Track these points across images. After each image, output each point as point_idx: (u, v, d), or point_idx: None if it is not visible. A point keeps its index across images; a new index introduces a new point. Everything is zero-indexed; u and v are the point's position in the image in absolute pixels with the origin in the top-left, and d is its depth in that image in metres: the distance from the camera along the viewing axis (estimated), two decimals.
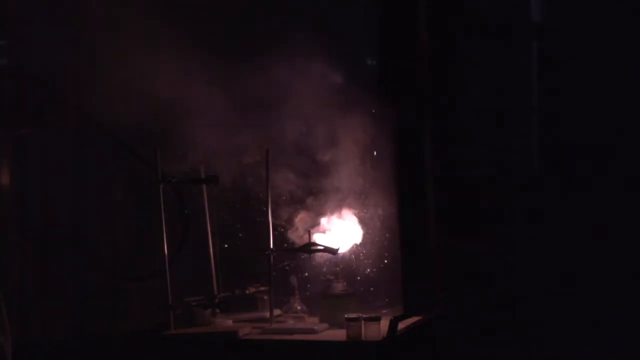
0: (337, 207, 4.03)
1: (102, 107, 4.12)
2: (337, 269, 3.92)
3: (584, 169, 4.15)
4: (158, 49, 3.90)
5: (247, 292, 4.09)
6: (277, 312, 3.93)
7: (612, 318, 4.08)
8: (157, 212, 3.88)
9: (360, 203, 4.06)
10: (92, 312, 4.39)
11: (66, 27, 4.24)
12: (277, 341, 3.64)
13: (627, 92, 4.10)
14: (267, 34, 4.09)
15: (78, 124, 4.36)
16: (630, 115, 4.11)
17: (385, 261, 4.05)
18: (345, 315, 3.56)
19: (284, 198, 4.05)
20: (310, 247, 3.92)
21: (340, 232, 4.01)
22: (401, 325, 3.59)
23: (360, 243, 4.05)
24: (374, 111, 3.99)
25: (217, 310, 3.96)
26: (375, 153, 4.07)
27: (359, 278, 4.04)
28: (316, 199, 4.04)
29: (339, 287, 3.87)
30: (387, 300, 4.00)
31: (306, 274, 4.09)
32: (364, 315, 3.55)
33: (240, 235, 4.23)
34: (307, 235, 3.95)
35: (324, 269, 4.05)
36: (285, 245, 4.00)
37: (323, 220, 4.01)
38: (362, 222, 4.05)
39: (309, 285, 4.09)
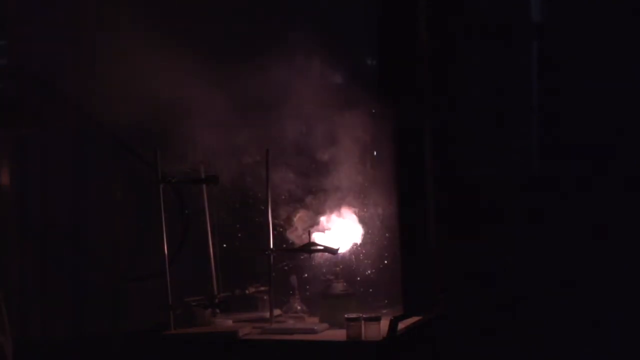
0: (337, 207, 4.03)
1: (102, 107, 4.12)
2: (337, 269, 3.92)
3: (584, 169, 4.15)
4: (158, 49, 3.90)
5: (247, 292, 4.09)
6: (277, 312, 3.93)
7: (612, 318, 4.08)
8: (157, 212, 3.88)
9: (360, 203, 4.05)
10: (92, 312, 4.38)
11: (66, 27, 4.24)
12: (277, 341, 3.64)
13: (627, 92, 4.10)
14: (267, 34, 4.09)
15: (78, 124, 4.36)
16: (630, 115, 4.11)
17: (386, 262, 4.05)
18: (345, 315, 3.56)
19: (283, 197, 4.05)
20: (310, 247, 3.92)
21: (340, 231, 4.01)
22: (401, 325, 3.59)
23: (360, 243, 4.05)
24: (374, 111, 3.99)
25: (217, 310, 3.96)
26: (375, 153, 4.07)
27: (358, 279, 4.04)
28: (316, 198, 4.04)
29: (339, 287, 3.87)
30: (386, 301, 3.99)
31: (305, 276, 4.09)
32: (364, 315, 3.55)
33: (240, 235, 4.23)
34: (306, 235, 3.95)
35: (324, 270, 4.05)
36: (284, 245, 3.99)
37: (323, 220, 4.01)
38: (362, 221, 4.05)
39: (307, 287, 4.08)
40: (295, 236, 4.01)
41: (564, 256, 4.13)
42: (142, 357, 4.00)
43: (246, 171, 4.13)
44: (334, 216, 4.02)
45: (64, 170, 4.40)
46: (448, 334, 3.98)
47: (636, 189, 4.09)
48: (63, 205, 4.40)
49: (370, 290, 4.04)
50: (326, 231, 4.00)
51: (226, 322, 3.89)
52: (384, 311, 3.86)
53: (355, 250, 4.05)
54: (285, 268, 4.06)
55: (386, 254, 4.05)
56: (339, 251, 3.92)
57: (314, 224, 4.01)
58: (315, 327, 3.72)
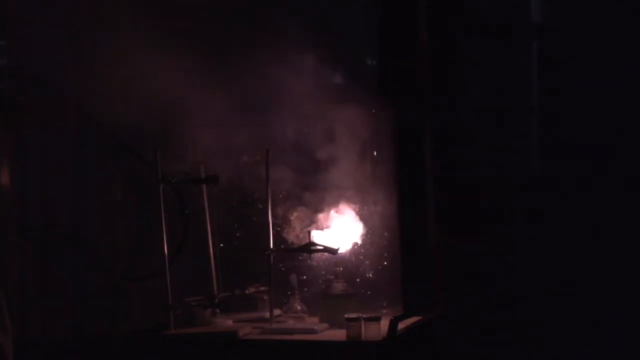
0: (337, 207, 4.03)
1: (102, 107, 4.12)
2: (337, 269, 3.92)
3: (584, 169, 4.15)
4: (158, 49, 3.90)
5: (247, 292, 4.09)
6: (277, 312, 3.93)
7: (612, 318, 4.08)
8: (157, 212, 3.88)
9: (359, 203, 4.05)
10: (92, 312, 4.38)
11: (66, 27, 4.24)
12: (277, 341, 3.64)
13: (627, 92, 4.10)
14: (266, 34, 4.09)
15: (78, 124, 4.36)
16: (630, 115, 4.11)
17: (385, 263, 4.05)
18: (345, 315, 3.56)
19: (281, 196, 4.05)
20: (310, 247, 3.92)
21: (340, 231, 4.01)
22: (401, 325, 3.59)
23: (360, 243, 4.05)
24: (374, 111, 3.99)
25: (217, 310, 3.96)
26: (375, 153, 4.07)
27: (358, 280, 4.04)
28: (315, 198, 4.04)
29: (339, 287, 3.87)
30: (385, 302, 3.99)
31: (304, 277, 4.09)
32: (364, 315, 3.55)
33: (238, 234, 4.23)
34: (303, 234, 3.95)
35: (323, 272, 4.05)
36: (283, 246, 3.99)
37: (322, 220, 4.01)
38: (362, 222, 4.05)
39: (305, 289, 4.08)
40: (293, 236, 4.01)
41: (564, 256, 4.13)
42: (142, 357, 4.00)
43: (245, 170, 4.13)
44: (333, 216, 4.02)
45: (64, 170, 4.39)
46: (448, 334, 3.98)
47: (636, 189, 4.09)
48: (63, 205, 4.40)
49: (370, 290, 4.04)
50: (325, 229, 3.99)
51: (226, 322, 3.89)
52: (384, 311, 3.87)
53: (355, 250, 4.05)
54: (283, 269, 4.06)
55: (385, 254, 4.05)
56: (339, 251, 3.92)
57: (313, 223, 4.00)
58: (315, 327, 3.71)
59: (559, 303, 4.12)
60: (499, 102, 4.26)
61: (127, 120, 4.00)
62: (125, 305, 4.39)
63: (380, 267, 4.06)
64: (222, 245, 4.20)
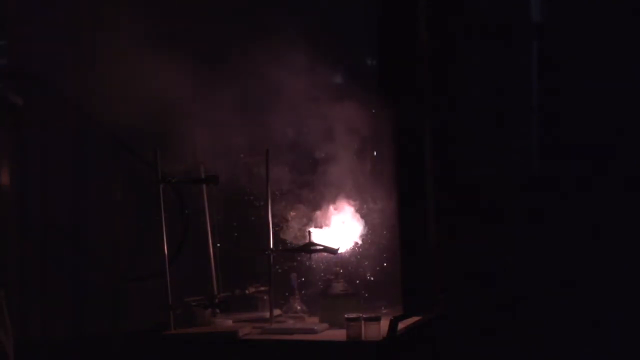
0: (336, 207, 4.03)
1: (102, 107, 4.12)
2: (337, 269, 3.92)
3: (584, 169, 4.15)
4: (158, 49, 3.90)
5: (247, 292, 4.09)
6: (277, 312, 3.93)
7: (612, 318, 4.08)
8: (157, 212, 3.88)
9: (359, 203, 4.05)
10: (92, 312, 4.38)
11: (66, 27, 4.24)
12: (277, 341, 3.64)
13: (627, 92, 4.10)
14: (266, 34, 4.08)
15: (78, 124, 4.36)
16: (630, 115, 4.11)
17: (385, 264, 4.05)
18: (345, 315, 3.56)
19: (278, 194, 4.05)
20: (310, 247, 3.92)
21: (340, 231, 4.01)
22: (401, 325, 3.59)
23: (360, 243, 4.05)
24: (374, 111, 3.99)
25: (217, 310, 3.96)
26: (375, 153, 4.07)
27: (357, 281, 4.04)
28: (315, 198, 4.04)
29: (339, 287, 3.87)
30: (384, 306, 3.99)
31: (303, 279, 4.09)
32: (364, 315, 3.55)
33: (236, 234, 4.23)
34: (300, 234, 3.95)
35: (322, 274, 4.05)
36: (280, 247, 3.98)
37: (322, 220, 4.01)
38: (362, 222, 4.05)
39: (303, 291, 4.08)
40: (291, 235, 4.01)
41: (564, 256, 4.13)
42: (142, 357, 4.00)
43: (244, 170, 4.13)
44: (333, 216, 4.02)
45: (64, 170, 4.39)
46: (448, 334, 3.98)
47: (636, 189, 4.09)
48: (63, 205, 4.40)
49: (370, 290, 4.04)
50: (324, 227, 3.99)
51: (226, 322, 3.89)
52: (384, 311, 3.87)
53: (355, 250, 4.05)
54: (279, 271, 4.05)
55: (384, 255, 4.05)
56: (339, 251, 3.92)
57: (313, 223, 4.00)
58: (315, 327, 3.71)
59: (559, 303, 4.12)
60: (499, 102, 4.26)
61: (127, 120, 4.00)
62: (125, 305, 4.39)
63: (380, 267, 4.06)
64: (219, 245, 4.20)
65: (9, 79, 4.39)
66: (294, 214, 4.02)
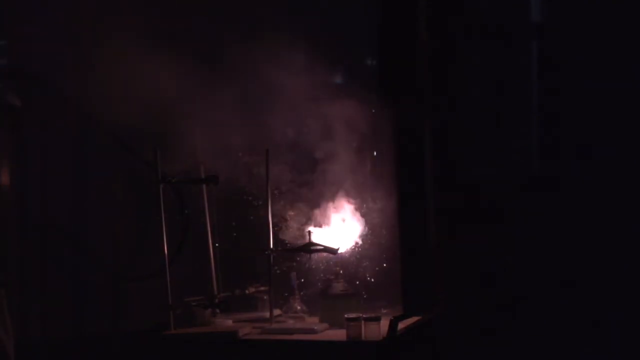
0: (336, 207, 4.03)
1: (102, 107, 4.12)
2: (337, 269, 3.92)
3: (584, 169, 4.14)
4: (158, 49, 3.90)
5: (247, 292, 4.09)
6: (277, 312, 3.93)
7: (612, 318, 4.08)
8: (157, 212, 3.88)
9: (359, 203, 4.05)
10: (92, 312, 4.38)
11: (66, 27, 4.24)
12: (277, 341, 3.64)
13: (627, 92, 4.10)
14: (266, 34, 4.08)
15: (78, 124, 4.36)
16: (630, 115, 4.11)
17: (385, 264, 4.05)
18: (345, 315, 3.56)
19: (277, 193, 4.05)
20: (310, 247, 3.92)
21: (340, 231, 4.01)
22: (401, 325, 3.59)
23: (360, 243, 4.05)
24: (374, 111, 3.99)
25: (217, 310, 3.96)
26: (375, 153, 4.07)
27: (357, 282, 4.03)
28: (314, 197, 4.04)
29: (339, 287, 3.87)
30: (385, 303, 3.99)
31: (303, 279, 4.09)
32: (364, 315, 3.55)
33: (236, 234, 4.23)
34: (300, 233, 3.95)
35: (321, 274, 4.05)
36: (279, 248, 3.98)
37: (321, 219, 4.01)
38: (362, 221, 4.05)
39: (303, 292, 4.08)
40: (290, 235, 4.01)
41: (564, 256, 4.13)
42: (142, 357, 4.00)
43: (244, 170, 4.13)
44: (333, 216, 4.02)
45: (64, 170, 4.39)
46: (448, 334, 3.98)
47: (636, 189, 4.09)
48: (63, 205, 4.40)
49: (370, 290, 4.04)
50: (324, 227, 3.99)
51: (226, 322, 3.89)
52: (384, 311, 3.87)
53: (355, 250, 4.05)
54: (279, 271, 4.05)
55: (385, 255, 4.05)
56: (339, 251, 3.92)
57: (312, 222, 4.00)
58: (315, 327, 3.71)
59: (559, 303, 4.12)
60: (499, 102, 4.26)
61: (127, 120, 3.99)
62: (125, 305, 4.39)
63: (379, 268, 4.06)
64: (217, 245, 4.20)
65: (9, 79, 4.39)
66: (293, 213, 4.02)
